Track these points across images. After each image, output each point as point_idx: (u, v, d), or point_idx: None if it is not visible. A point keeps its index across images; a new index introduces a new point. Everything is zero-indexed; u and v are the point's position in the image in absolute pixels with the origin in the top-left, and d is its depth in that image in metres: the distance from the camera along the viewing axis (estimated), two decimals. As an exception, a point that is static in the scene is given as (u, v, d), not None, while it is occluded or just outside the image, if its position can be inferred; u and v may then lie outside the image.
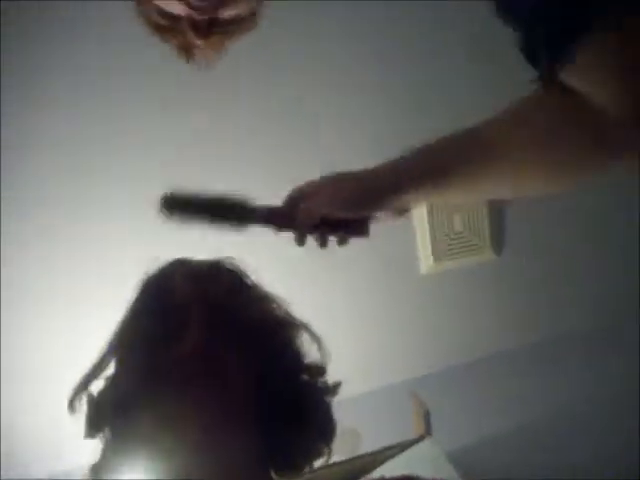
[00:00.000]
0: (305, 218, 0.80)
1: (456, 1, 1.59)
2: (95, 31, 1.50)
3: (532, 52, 0.63)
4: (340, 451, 0.77)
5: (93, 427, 0.67)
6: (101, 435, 0.67)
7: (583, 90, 0.60)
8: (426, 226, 1.96)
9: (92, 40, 1.52)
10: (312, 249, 0.84)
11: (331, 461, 0.74)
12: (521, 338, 2.20)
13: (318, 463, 0.73)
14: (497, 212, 2.02)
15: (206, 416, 0.61)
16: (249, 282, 0.75)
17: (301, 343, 0.73)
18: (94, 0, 1.42)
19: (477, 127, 0.73)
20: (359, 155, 1.78)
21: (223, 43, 0.84)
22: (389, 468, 1.50)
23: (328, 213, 0.79)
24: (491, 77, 1.74)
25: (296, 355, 0.72)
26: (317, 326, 0.75)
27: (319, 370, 0.73)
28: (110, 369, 0.69)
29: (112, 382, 0.68)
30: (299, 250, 0.84)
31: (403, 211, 0.81)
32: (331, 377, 0.74)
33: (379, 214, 0.80)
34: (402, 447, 1.66)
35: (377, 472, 1.43)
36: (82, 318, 1.80)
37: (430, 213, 1.95)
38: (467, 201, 1.90)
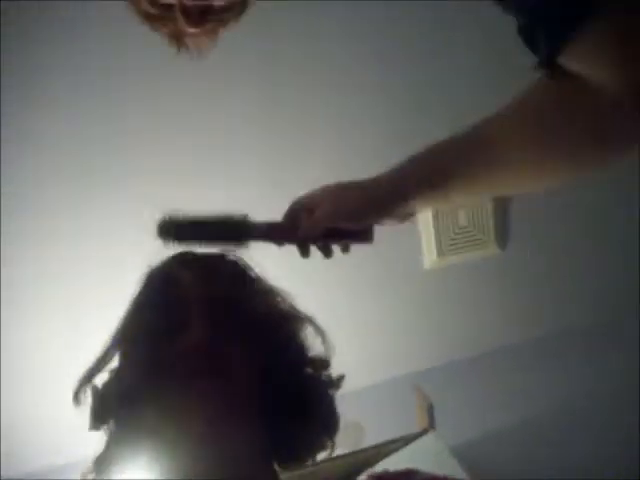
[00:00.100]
0: (308, 232, 0.79)
1: (456, 1, 1.59)
2: (95, 31, 1.50)
3: (531, 37, 0.62)
4: (343, 444, 0.77)
5: (98, 419, 0.67)
6: (105, 427, 0.67)
7: (583, 73, 0.60)
8: (430, 221, 1.96)
9: (92, 40, 1.52)
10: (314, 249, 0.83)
11: (334, 454, 0.75)
12: (525, 333, 2.20)
13: (321, 456, 0.73)
14: (502, 207, 2.02)
15: (210, 409, 0.62)
16: (253, 275, 0.75)
17: (305, 336, 0.73)
18: (94, 0, 1.42)
19: (477, 126, 0.72)
20: (359, 155, 1.80)
21: (216, 31, 0.81)
22: (392, 462, 1.51)
23: (332, 225, 0.78)
24: (492, 77, 1.74)
25: (300, 348, 0.73)
26: (321, 320, 0.75)
27: (323, 363, 0.73)
28: (114, 361, 0.69)
29: (116, 375, 0.68)
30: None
31: (408, 216, 0.80)
32: (335, 370, 0.74)
33: (384, 221, 0.79)
34: (406, 441, 1.67)
35: (380, 465, 1.44)
36: (82, 317, 1.80)
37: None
38: (473, 201, 1.90)
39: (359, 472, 1.26)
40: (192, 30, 0.78)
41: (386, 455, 1.58)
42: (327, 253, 0.82)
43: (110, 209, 1.72)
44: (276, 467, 0.70)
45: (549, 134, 0.66)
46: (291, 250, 0.82)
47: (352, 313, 1.97)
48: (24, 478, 1.91)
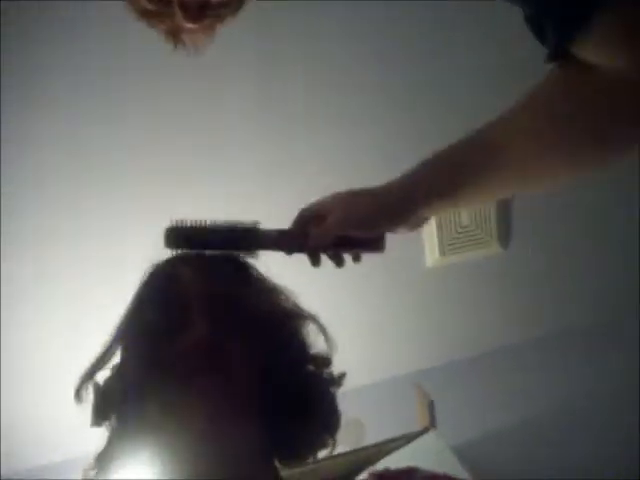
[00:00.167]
0: (319, 240, 0.77)
1: (456, 1, 1.59)
2: (95, 31, 1.50)
3: (539, 27, 0.61)
4: (344, 442, 0.77)
5: (99, 415, 0.67)
6: (107, 423, 0.67)
7: (595, 60, 0.58)
8: (432, 220, 1.96)
9: (92, 40, 1.52)
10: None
11: (335, 452, 0.75)
12: (525, 333, 2.20)
13: (322, 454, 0.74)
14: (504, 206, 2.02)
15: (211, 406, 0.62)
16: (255, 273, 0.75)
17: (307, 334, 0.73)
18: (94, 0, 1.42)
19: (485, 129, 0.70)
20: (359, 155, 1.80)
21: (212, 27, 0.80)
22: (393, 460, 1.51)
23: (343, 233, 0.76)
24: (492, 77, 1.74)
25: (302, 346, 0.73)
26: (323, 318, 0.75)
27: (325, 361, 0.73)
28: (116, 358, 0.69)
29: (118, 371, 0.68)
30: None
31: (420, 223, 0.78)
32: (336, 368, 0.74)
33: (396, 229, 0.77)
34: (406, 439, 1.67)
35: (381, 464, 1.43)
36: (82, 317, 1.80)
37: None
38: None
39: (360, 470, 1.26)
40: (190, 26, 0.78)
41: (387, 453, 1.59)
42: (338, 262, 0.80)
43: (110, 208, 1.73)
44: (277, 464, 0.70)
45: (560, 126, 0.64)
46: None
47: (354, 311, 1.97)
48: (24, 478, 1.91)
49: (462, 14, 1.66)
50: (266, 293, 0.74)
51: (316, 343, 0.73)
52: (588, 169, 0.68)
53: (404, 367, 2.12)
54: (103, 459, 0.66)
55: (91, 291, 1.80)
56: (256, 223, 0.78)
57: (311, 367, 0.72)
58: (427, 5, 1.62)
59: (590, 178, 0.70)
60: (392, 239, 0.79)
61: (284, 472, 0.70)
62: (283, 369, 0.69)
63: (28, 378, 1.87)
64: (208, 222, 0.77)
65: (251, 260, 0.76)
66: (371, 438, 1.78)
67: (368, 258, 0.81)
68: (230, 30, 0.83)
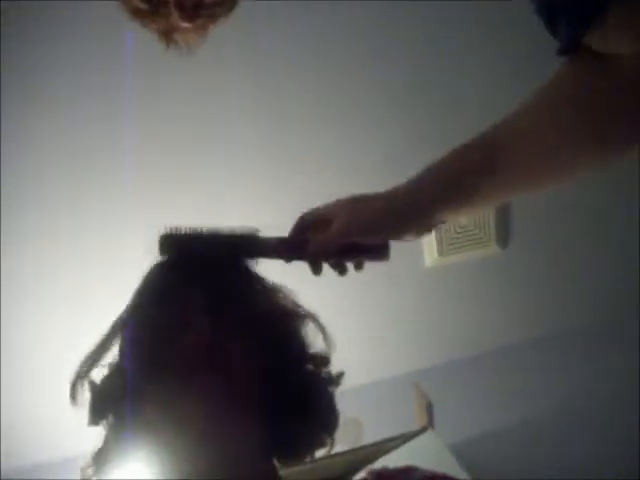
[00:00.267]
0: (322, 247, 0.74)
1: (460, 1, 1.59)
2: (95, 30, 1.50)
3: (552, 20, 0.59)
4: (342, 441, 0.77)
5: (97, 414, 0.67)
6: (104, 422, 0.67)
7: (613, 49, 0.57)
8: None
9: (92, 39, 1.52)
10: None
11: (333, 451, 0.75)
12: (525, 332, 2.20)
13: (321, 453, 0.74)
14: (503, 206, 2.01)
15: (210, 405, 0.62)
16: (254, 272, 0.75)
17: (306, 333, 0.73)
18: (94, 0, 1.42)
19: (490, 132, 0.68)
20: (361, 155, 1.80)
21: (205, 27, 0.80)
22: (391, 459, 1.51)
23: (347, 239, 0.73)
24: (494, 77, 1.74)
25: (301, 345, 0.72)
26: (322, 317, 0.75)
27: (323, 360, 0.73)
28: (114, 356, 0.69)
29: (116, 370, 0.68)
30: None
31: (426, 230, 0.75)
32: (335, 368, 0.74)
33: (401, 235, 0.74)
34: (405, 439, 1.67)
35: (379, 463, 1.44)
36: (82, 313, 1.81)
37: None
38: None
39: (358, 469, 1.26)
40: (185, 25, 0.77)
41: (385, 453, 1.59)
42: (341, 270, 0.77)
43: (109, 205, 1.73)
44: (275, 463, 0.70)
45: (572, 122, 0.62)
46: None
47: (353, 311, 1.97)
48: (24, 478, 1.91)
49: (464, 14, 1.66)
50: (265, 292, 0.74)
51: (315, 342, 0.73)
52: (603, 165, 0.66)
53: (403, 367, 2.13)
54: (101, 458, 0.66)
55: (91, 288, 1.81)
56: (254, 230, 0.75)
57: (310, 366, 0.72)
58: (431, 5, 1.62)
59: (590, 178, 0.69)
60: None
61: (282, 471, 0.70)
62: (282, 368, 0.69)
63: (28, 375, 1.88)
64: (204, 229, 0.74)
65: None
66: (369, 437, 1.79)
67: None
68: (231, 29, 0.83)
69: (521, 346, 2.19)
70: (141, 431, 0.63)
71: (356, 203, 0.74)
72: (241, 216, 1.88)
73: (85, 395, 0.68)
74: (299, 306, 0.74)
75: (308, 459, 0.73)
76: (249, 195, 1.81)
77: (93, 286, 1.81)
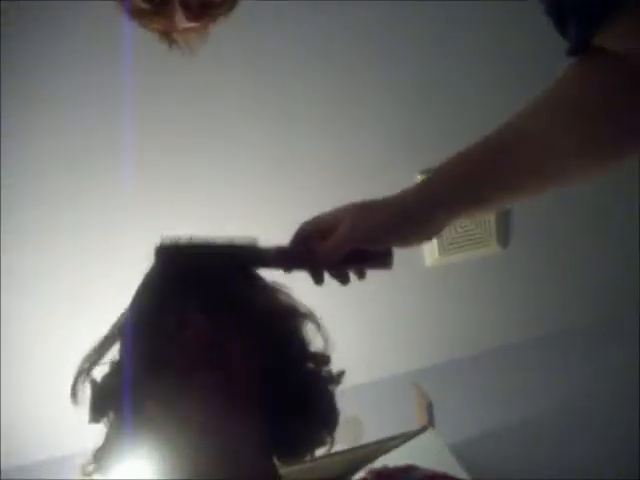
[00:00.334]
0: (328, 255, 0.70)
1: (466, 1, 1.59)
2: (94, 30, 1.50)
3: (562, 20, 0.58)
4: (342, 440, 0.77)
5: (98, 411, 0.67)
6: (105, 420, 0.67)
7: (624, 49, 0.56)
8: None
9: (92, 38, 1.52)
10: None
11: (333, 450, 0.75)
12: (525, 332, 2.20)
13: (321, 452, 0.74)
14: (503, 205, 2.01)
15: (210, 401, 0.62)
16: (254, 272, 0.75)
17: (306, 332, 0.73)
18: (94, 0, 1.42)
19: (497, 134, 0.67)
20: (361, 155, 1.79)
21: (206, 27, 0.80)
22: (391, 458, 1.51)
23: (352, 245, 0.70)
24: (499, 78, 1.74)
25: (301, 343, 0.72)
26: (323, 316, 0.75)
27: (324, 359, 0.73)
28: (113, 353, 0.70)
29: (117, 367, 0.68)
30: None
31: (433, 234, 0.72)
32: (335, 366, 0.74)
33: (408, 240, 0.72)
34: (405, 438, 1.67)
35: (379, 462, 1.44)
36: (82, 309, 1.81)
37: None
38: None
39: (358, 468, 1.26)
40: (191, 24, 0.77)
41: (385, 452, 1.59)
42: (344, 280, 0.75)
43: (109, 201, 1.73)
44: (276, 462, 0.70)
45: (582, 122, 0.61)
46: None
47: (353, 310, 1.97)
48: (25, 477, 1.92)
49: (471, 14, 1.65)
50: (265, 290, 0.74)
51: (314, 341, 0.73)
52: (617, 165, 0.64)
53: (403, 366, 2.13)
54: (101, 455, 0.66)
55: (91, 285, 1.81)
56: (253, 240, 0.73)
57: (310, 365, 0.72)
58: (438, 5, 1.62)
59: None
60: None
61: (282, 470, 0.70)
62: (283, 365, 0.69)
63: (28, 370, 1.88)
64: (202, 239, 0.72)
65: None
66: (369, 436, 1.79)
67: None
68: (234, 29, 0.83)
69: (521, 345, 2.19)
70: (142, 428, 0.63)
71: (362, 208, 0.72)
72: (241, 216, 1.89)
73: (86, 393, 0.68)
74: (298, 304, 0.74)
75: (308, 458, 0.73)
76: (249, 195, 1.81)
77: (93, 284, 1.81)
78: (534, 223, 2.05)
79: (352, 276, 0.76)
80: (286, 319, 0.73)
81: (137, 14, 0.78)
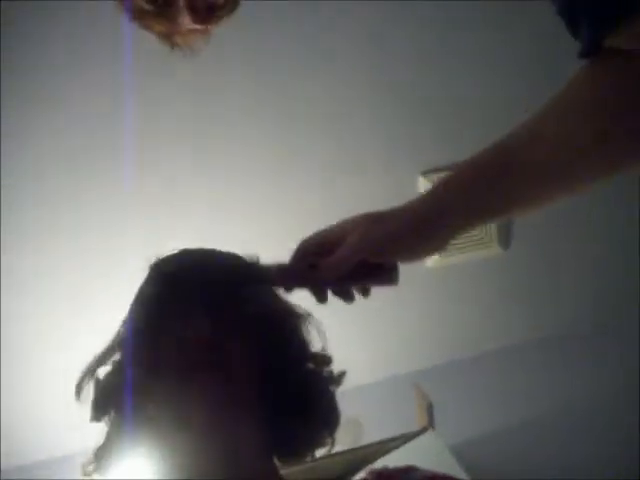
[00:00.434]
0: (333, 269, 0.68)
1: (467, 1, 1.59)
2: (94, 30, 1.50)
3: (574, 21, 0.57)
4: (342, 440, 0.77)
5: (99, 410, 0.67)
6: (106, 418, 0.67)
7: (636, 49, 0.54)
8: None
9: (92, 38, 1.52)
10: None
11: (334, 451, 0.75)
12: (525, 333, 2.20)
13: (321, 452, 0.73)
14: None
15: (211, 401, 0.62)
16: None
17: (307, 332, 0.73)
18: (95, 0, 1.42)
19: (508, 136, 0.64)
20: (361, 155, 1.79)
21: (208, 28, 0.79)
22: (391, 459, 1.50)
23: (360, 257, 0.67)
24: (502, 78, 1.74)
25: (302, 344, 0.72)
26: (323, 317, 0.75)
27: (325, 359, 0.73)
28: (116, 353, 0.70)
29: (118, 366, 0.68)
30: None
31: (442, 245, 0.70)
32: (336, 367, 0.74)
33: (416, 253, 0.70)
34: (405, 439, 1.67)
35: (380, 463, 1.43)
36: (82, 309, 1.81)
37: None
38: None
39: (358, 469, 1.26)
40: (197, 27, 0.76)
41: (385, 453, 1.59)
42: (348, 298, 0.73)
43: (109, 201, 1.73)
44: (276, 462, 0.70)
45: (594, 125, 0.59)
46: (290, 248, 0.76)
47: (354, 311, 1.96)
48: (25, 477, 1.91)
49: (471, 14, 1.65)
50: (265, 291, 0.73)
51: (315, 342, 0.73)
52: (634, 168, 0.62)
53: (403, 367, 2.13)
54: (102, 454, 0.66)
55: (91, 285, 1.81)
56: (254, 257, 0.71)
57: (311, 365, 0.72)
58: (439, 5, 1.62)
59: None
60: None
61: (282, 470, 0.70)
62: (283, 366, 0.69)
63: (28, 370, 1.88)
64: (199, 253, 0.71)
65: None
66: (370, 437, 1.78)
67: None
68: (232, 29, 0.83)
69: (521, 347, 2.19)
70: (142, 427, 0.63)
71: (370, 220, 0.68)
72: (242, 216, 1.89)
73: (89, 392, 0.68)
74: (294, 305, 0.74)
75: (308, 458, 0.73)
76: (250, 195, 1.81)
77: (93, 284, 1.81)
78: (535, 225, 2.05)
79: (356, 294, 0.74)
80: (286, 319, 0.72)
81: (139, 15, 0.77)
